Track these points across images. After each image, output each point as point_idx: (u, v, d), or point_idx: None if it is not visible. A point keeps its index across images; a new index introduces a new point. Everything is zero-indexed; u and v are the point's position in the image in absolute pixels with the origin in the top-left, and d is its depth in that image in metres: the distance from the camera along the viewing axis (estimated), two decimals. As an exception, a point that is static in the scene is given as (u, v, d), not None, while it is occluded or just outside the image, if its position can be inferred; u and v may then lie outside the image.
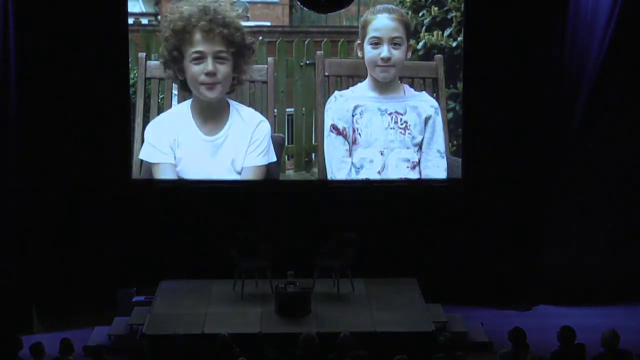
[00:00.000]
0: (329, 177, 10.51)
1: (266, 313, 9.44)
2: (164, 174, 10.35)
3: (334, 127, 10.44)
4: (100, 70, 10.10)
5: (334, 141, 10.45)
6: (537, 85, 10.30)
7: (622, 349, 7.47)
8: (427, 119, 10.44)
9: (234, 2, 10.35)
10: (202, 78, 10.13)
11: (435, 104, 10.46)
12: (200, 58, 10.10)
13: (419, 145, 10.51)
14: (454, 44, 10.46)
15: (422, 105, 10.46)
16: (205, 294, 9.99)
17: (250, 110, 10.45)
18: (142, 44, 10.43)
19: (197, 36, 10.07)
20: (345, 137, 10.45)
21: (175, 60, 10.17)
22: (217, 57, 10.12)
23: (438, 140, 10.48)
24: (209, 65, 10.09)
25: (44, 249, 10.23)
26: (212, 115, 10.39)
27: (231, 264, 9.87)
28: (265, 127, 10.40)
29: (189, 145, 10.35)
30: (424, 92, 10.50)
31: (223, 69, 10.17)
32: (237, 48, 10.18)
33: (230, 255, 9.82)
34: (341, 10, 10.21)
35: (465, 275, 10.50)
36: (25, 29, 9.84)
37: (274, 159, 10.44)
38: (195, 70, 10.13)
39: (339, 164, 10.50)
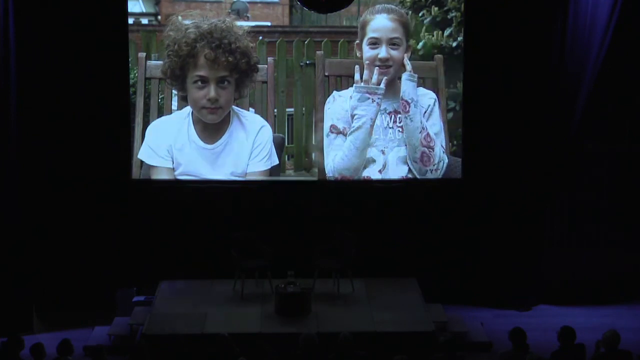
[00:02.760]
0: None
1: (266, 313, 9.44)
2: (160, 177, 10.32)
3: (334, 127, 10.42)
4: (100, 70, 10.09)
5: (334, 141, 10.44)
6: (537, 85, 10.29)
7: (622, 349, 7.48)
8: (425, 111, 10.39)
9: (234, 1, 10.35)
10: (204, 102, 10.06)
11: (434, 95, 10.38)
12: (202, 82, 10.02)
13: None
14: (454, 44, 10.46)
15: (421, 99, 10.37)
16: (205, 294, 10.00)
17: (251, 114, 10.41)
18: (142, 44, 10.41)
19: (202, 60, 9.97)
20: (345, 136, 10.41)
21: (176, 78, 10.11)
22: (220, 82, 10.04)
23: (437, 126, 10.39)
24: (211, 91, 10.00)
25: (44, 249, 10.22)
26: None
27: (231, 264, 9.88)
28: (266, 132, 10.35)
29: (187, 152, 10.29)
30: (421, 87, 10.40)
31: (225, 94, 10.08)
32: (241, 74, 10.10)
33: (230, 255, 9.82)
34: (341, 10, 10.19)
35: (465, 275, 10.51)
36: (25, 29, 9.83)
37: (277, 162, 10.42)
38: (197, 94, 10.06)
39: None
